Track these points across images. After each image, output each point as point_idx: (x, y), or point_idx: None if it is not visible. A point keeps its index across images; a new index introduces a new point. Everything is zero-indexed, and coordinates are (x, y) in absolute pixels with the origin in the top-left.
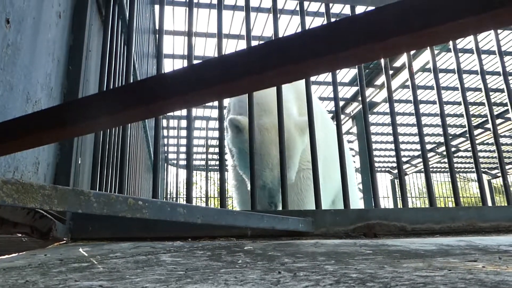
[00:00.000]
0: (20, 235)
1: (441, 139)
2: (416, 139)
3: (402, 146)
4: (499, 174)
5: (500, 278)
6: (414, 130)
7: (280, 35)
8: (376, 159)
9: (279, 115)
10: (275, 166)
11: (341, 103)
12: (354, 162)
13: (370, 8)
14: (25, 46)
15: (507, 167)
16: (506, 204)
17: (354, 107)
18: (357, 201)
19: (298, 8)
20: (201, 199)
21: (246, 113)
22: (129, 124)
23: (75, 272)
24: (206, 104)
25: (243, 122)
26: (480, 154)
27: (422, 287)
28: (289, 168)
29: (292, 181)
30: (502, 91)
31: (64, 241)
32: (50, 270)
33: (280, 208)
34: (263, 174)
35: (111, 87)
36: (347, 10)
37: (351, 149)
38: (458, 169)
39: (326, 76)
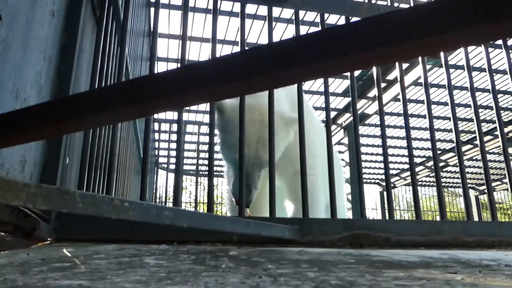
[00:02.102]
0: (3, 234)
1: (431, 153)
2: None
3: (392, 159)
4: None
5: None
6: (405, 143)
7: None
8: (366, 170)
9: (270, 112)
10: (252, 143)
11: (333, 114)
12: (345, 172)
13: None
14: (16, 43)
15: (495, 183)
16: (491, 220)
17: (346, 118)
18: (344, 211)
19: (294, 17)
20: (190, 204)
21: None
22: (120, 126)
23: (56, 272)
24: (198, 109)
25: (224, 103)
26: (469, 170)
27: None
28: (264, 152)
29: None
30: (492, 108)
31: (48, 241)
32: (31, 269)
33: (254, 194)
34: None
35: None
36: (342, 21)
37: (342, 159)
38: (447, 184)
39: (319, 86)
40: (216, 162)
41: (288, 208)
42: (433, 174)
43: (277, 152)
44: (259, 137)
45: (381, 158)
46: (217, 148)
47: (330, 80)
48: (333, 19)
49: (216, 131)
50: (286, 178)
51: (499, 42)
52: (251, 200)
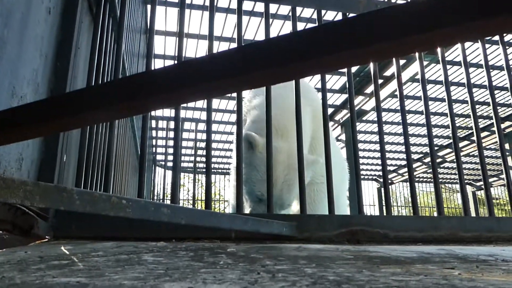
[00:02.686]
0: (0, 232)
1: (428, 149)
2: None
3: (390, 155)
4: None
5: (473, 284)
6: (402, 139)
7: None
8: (363, 167)
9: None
10: (277, 184)
11: (331, 110)
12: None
13: None
14: (12, 41)
15: (492, 179)
16: (488, 215)
17: (344, 114)
18: (346, 209)
19: (291, 14)
20: (188, 201)
21: (262, 132)
22: (117, 123)
23: (54, 269)
24: (195, 106)
25: (257, 140)
26: (466, 165)
27: None
28: (290, 192)
29: (290, 206)
30: (489, 104)
31: (46, 239)
32: (29, 267)
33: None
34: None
35: None
36: (339, 17)
37: None
38: (444, 180)
39: (317, 83)
40: (213, 159)
41: (295, 207)
42: (431, 170)
43: (294, 190)
44: (285, 180)
45: (378, 154)
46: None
47: (327, 76)
48: (330, 15)
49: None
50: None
51: (496, 38)
52: None
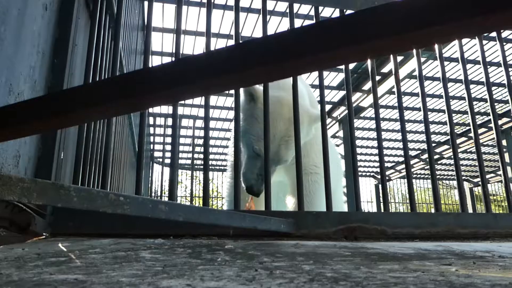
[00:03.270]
0: None
1: (426, 146)
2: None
3: (387, 152)
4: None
5: (470, 280)
6: (400, 136)
7: None
8: (361, 163)
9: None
10: (276, 139)
11: (328, 107)
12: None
13: None
14: (8, 37)
15: (489, 175)
16: (485, 212)
17: (341, 111)
18: (342, 205)
19: (288, 10)
20: (185, 198)
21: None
22: (114, 120)
23: (52, 266)
24: (193, 103)
25: (258, 91)
26: (463, 162)
27: (393, 286)
28: (287, 148)
29: (286, 162)
30: (486, 100)
31: (44, 236)
32: (26, 264)
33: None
34: (260, 142)
35: None
36: (337, 14)
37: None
38: (441, 176)
39: (314, 79)
40: (211, 156)
41: (289, 204)
42: (428, 166)
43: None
44: (284, 134)
45: (376, 151)
46: (228, 136)
47: (325, 73)
48: (328, 12)
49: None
50: (292, 175)
51: (494, 34)
52: (262, 190)
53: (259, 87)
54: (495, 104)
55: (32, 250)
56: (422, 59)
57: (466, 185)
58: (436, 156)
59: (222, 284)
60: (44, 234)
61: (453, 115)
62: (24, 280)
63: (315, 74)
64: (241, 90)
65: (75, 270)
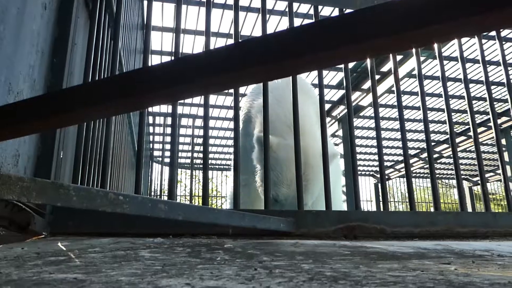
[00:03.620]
0: None
1: (425, 145)
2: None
3: (387, 151)
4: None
5: (469, 279)
6: (399, 135)
7: None
8: (360, 162)
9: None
10: (292, 184)
11: (328, 106)
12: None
13: None
14: (8, 37)
15: (488, 174)
16: (484, 211)
17: (341, 110)
18: (341, 204)
19: (287, 10)
20: (185, 197)
21: (273, 131)
22: (114, 120)
23: (51, 265)
24: (193, 102)
25: (270, 140)
26: (463, 161)
27: (392, 285)
28: (306, 192)
29: (307, 206)
30: (486, 99)
31: (43, 235)
32: (26, 263)
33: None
34: (280, 189)
35: None
36: (336, 13)
37: None
38: (441, 175)
39: (314, 78)
40: (211, 155)
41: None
42: (427, 165)
43: (314, 191)
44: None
45: (375, 150)
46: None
47: (324, 72)
48: (327, 11)
49: (255, 163)
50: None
51: (493, 33)
52: None
53: (273, 138)
54: (495, 103)
55: (31, 249)
56: (422, 58)
57: (466, 184)
58: (436, 155)
59: (222, 283)
60: (43, 233)
61: (453, 114)
62: (23, 279)
63: (315, 73)
64: (255, 139)
65: (75, 269)
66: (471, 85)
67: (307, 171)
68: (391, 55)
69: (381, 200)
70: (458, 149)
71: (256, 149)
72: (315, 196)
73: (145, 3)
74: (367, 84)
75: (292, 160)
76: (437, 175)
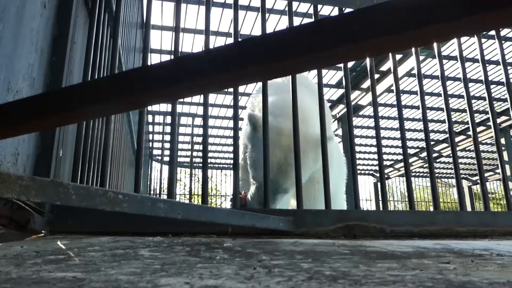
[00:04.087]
0: None
1: (424, 144)
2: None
3: (386, 150)
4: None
5: (468, 279)
6: (398, 134)
7: None
8: (360, 161)
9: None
10: (274, 167)
11: (328, 105)
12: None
13: None
14: (7, 35)
15: (488, 174)
16: (484, 210)
17: (340, 109)
18: (343, 204)
19: (287, 9)
20: (184, 196)
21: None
22: (113, 118)
23: (50, 264)
24: (192, 101)
25: (258, 119)
26: (462, 160)
27: (391, 285)
28: (287, 177)
29: (286, 191)
30: (485, 99)
31: (43, 234)
32: (25, 262)
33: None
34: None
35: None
36: (336, 12)
37: None
38: (440, 175)
39: (313, 78)
40: (210, 154)
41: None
42: (427, 165)
43: (303, 175)
44: (283, 162)
45: (375, 149)
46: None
47: (324, 71)
48: (327, 10)
49: (246, 142)
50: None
51: (492, 32)
52: None
53: (259, 115)
54: (494, 102)
55: (31, 248)
56: (421, 57)
57: (465, 183)
58: (435, 154)
59: (221, 282)
60: (43, 231)
61: (452, 113)
62: (22, 278)
63: (314, 72)
64: (246, 117)
65: (74, 268)
66: (470, 84)
67: (289, 154)
68: (390, 54)
69: (380, 199)
70: (458, 148)
71: (247, 128)
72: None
73: (145, 1)
74: (367, 83)
75: (276, 142)
76: (436, 174)
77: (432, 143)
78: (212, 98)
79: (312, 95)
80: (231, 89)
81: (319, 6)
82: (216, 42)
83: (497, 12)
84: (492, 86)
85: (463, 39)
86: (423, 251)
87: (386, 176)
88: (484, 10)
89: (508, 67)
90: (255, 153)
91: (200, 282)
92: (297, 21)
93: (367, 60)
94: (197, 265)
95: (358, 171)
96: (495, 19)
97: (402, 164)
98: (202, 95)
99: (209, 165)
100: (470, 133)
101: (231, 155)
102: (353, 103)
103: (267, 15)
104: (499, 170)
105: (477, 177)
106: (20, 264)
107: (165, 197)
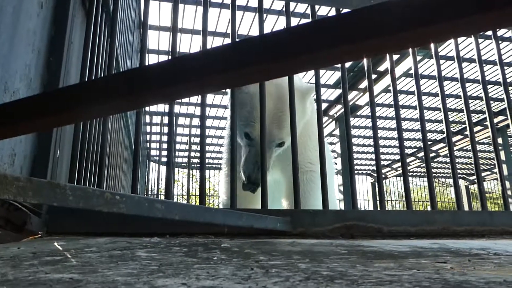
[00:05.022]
0: None
1: (422, 144)
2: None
3: (384, 150)
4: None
5: (465, 278)
6: (396, 134)
7: None
8: (357, 161)
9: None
10: (266, 119)
11: (325, 105)
12: (336, 164)
13: None
14: (3, 35)
15: (485, 173)
16: (481, 209)
17: (338, 109)
18: (335, 202)
19: (284, 9)
20: (182, 197)
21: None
22: (110, 118)
23: (47, 265)
24: (190, 101)
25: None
26: (459, 160)
27: (388, 285)
28: (281, 127)
29: (279, 144)
30: (482, 98)
31: (39, 235)
32: (22, 263)
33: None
34: (253, 125)
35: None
36: (333, 12)
37: (333, 151)
38: (438, 174)
39: (311, 78)
40: (208, 154)
41: (284, 204)
42: (424, 164)
43: (285, 124)
44: (275, 112)
45: (372, 149)
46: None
47: (321, 71)
48: (324, 10)
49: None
50: (288, 174)
51: (489, 32)
52: (259, 180)
53: None
54: (491, 102)
55: (27, 249)
56: (418, 58)
57: (462, 183)
58: (432, 154)
59: (218, 283)
60: (39, 232)
61: (449, 113)
62: (19, 279)
63: (312, 72)
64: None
65: (71, 269)
66: (467, 84)
67: (281, 105)
68: (387, 54)
69: (378, 199)
70: (455, 148)
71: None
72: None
73: (142, 2)
74: (364, 84)
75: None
76: (433, 174)
77: (429, 143)
78: (210, 98)
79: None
80: (228, 90)
81: (317, 7)
82: (214, 42)
83: (496, 12)
84: (489, 86)
85: (460, 39)
86: (420, 250)
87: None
88: (482, 10)
89: (505, 67)
90: (244, 110)
91: (197, 283)
92: (294, 21)
93: (365, 61)
94: (194, 265)
95: (356, 171)
96: (494, 20)
97: (399, 164)
98: (199, 95)
99: (206, 165)
100: (467, 132)
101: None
102: (350, 103)
103: (264, 15)
104: (496, 170)
105: (474, 177)
106: (16, 266)
107: (162, 197)
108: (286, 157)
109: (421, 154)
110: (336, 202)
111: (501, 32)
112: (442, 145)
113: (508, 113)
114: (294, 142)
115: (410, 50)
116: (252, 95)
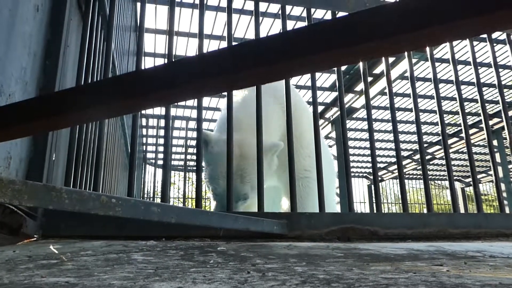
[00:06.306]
0: None
1: (418, 146)
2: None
3: (380, 152)
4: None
5: (461, 281)
6: (392, 136)
7: None
8: (354, 164)
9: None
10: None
11: (321, 108)
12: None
13: None
14: None
15: (480, 175)
16: (476, 212)
17: (334, 112)
18: (334, 206)
19: (280, 12)
20: (178, 200)
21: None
22: (107, 122)
23: (43, 269)
24: (186, 104)
25: (209, 136)
26: (455, 162)
27: None
28: (244, 182)
29: (245, 197)
30: (477, 101)
31: (35, 238)
32: (17, 266)
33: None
34: (217, 182)
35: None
36: (329, 16)
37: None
38: (433, 177)
39: (307, 81)
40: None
41: (284, 208)
42: (420, 167)
43: (254, 181)
44: (236, 170)
45: (368, 151)
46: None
47: (317, 74)
48: (320, 13)
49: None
50: (284, 181)
51: (484, 35)
52: None
53: (211, 133)
54: (486, 104)
55: (23, 253)
56: (414, 60)
57: (458, 185)
58: (428, 157)
59: (214, 286)
60: (35, 236)
61: (445, 115)
62: (14, 283)
63: (308, 75)
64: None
65: (67, 273)
66: (462, 86)
67: (242, 163)
68: (383, 57)
69: (374, 201)
70: (451, 150)
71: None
72: (252, 187)
73: (138, 5)
74: (360, 86)
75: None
76: (429, 177)
77: (425, 145)
78: (206, 101)
79: (278, 102)
80: (225, 93)
81: (312, 10)
82: (210, 45)
83: (490, 15)
84: (484, 88)
85: (455, 42)
86: (416, 253)
87: (379, 178)
88: (476, 14)
89: (500, 70)
90: (209, 168)
91: (193, 286)
92: (290, 24)
93: (360, 63)
94: (190, 269)
95: (352, 174)
96: (488, 23)
97: (395, 166)
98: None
99: (203, 168)
100: (463, 135)
101: None
102: (346, 106)
103: (260, 18)
104: (492, 172)
105: (470, 179)
106: (12, 269)
107: (158, 200)
108: (281, 165)
109: (417, 156)
110: (335, 206)
111: (495, 34)
112: (438, 147)
113: (503, 115)
114: (291, 146)
115: (406, 52)
116: (216, 155)
